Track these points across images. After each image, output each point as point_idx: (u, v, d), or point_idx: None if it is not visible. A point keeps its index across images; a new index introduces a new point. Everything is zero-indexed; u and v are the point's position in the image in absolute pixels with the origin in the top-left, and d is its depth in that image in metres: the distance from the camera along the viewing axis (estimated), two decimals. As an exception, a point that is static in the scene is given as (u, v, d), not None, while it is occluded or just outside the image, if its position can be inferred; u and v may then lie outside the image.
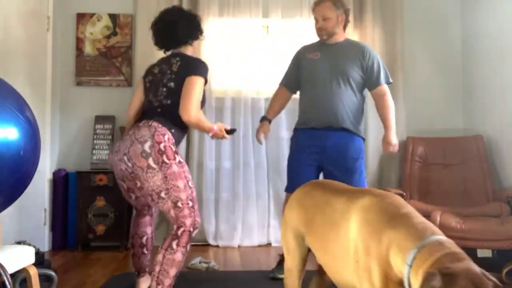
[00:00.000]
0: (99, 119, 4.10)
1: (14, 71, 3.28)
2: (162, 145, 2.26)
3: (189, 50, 2.59)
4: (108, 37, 4.20)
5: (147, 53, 4.09)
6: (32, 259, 2.05)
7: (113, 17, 4.20)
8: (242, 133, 4.12)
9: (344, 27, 3.07)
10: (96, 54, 4.18)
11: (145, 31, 4.09)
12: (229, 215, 4.11)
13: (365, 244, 1.38)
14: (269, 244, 4.10)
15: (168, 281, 2.21)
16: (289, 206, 2.00)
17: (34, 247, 2.23)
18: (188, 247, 2.28)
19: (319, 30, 3.02)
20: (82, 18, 4.20)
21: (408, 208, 1.43)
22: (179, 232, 2.25)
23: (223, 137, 2.54)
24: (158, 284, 2.20)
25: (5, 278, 1.74)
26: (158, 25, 2.56)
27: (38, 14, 3.72)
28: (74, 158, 4.10)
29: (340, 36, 3.05)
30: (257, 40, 4.22)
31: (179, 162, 2.31)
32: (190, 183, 2.36)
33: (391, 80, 3.11)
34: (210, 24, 4.17)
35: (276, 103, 3.22)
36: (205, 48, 4.12)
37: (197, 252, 3.75)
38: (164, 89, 2.44)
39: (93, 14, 4.20)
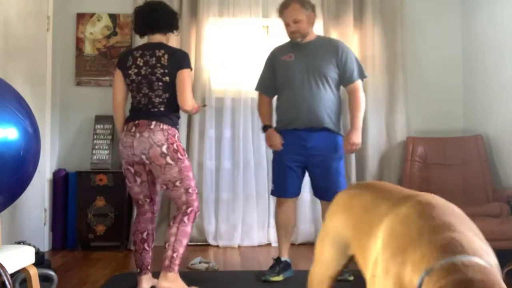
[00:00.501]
0: (99, 119, 4.10)
1: (14, 71, 3.28)
2: (175, 145, 2.62)
3: (164, 40, 2.78)
4: (108, 37, 4.20)
5: (147, 53, 4.10)
6: (32, 259, 2.05)
7: (113, 17, 4.20)
8: (242, 133, 4.12)
9: (312, 24, 3.07)
10: (96, 54, 4.18)
11: (145, 31, 4.11)
12: (229, 215, 4.12)
13: (385, 263, 1.19)
14: (269, 244, 4.10)
15: (181, 249, 2.58)
16: (332, 211, 1.76)
17: (34, 247, 2.23)
18: (193, 225, 2.74)
19: (292, 34, 3.00)
20: (82, 18, 4.20)
21: (452, 217, 1.18)
22: (189, 211, 2.65)
23: (198, 110, 2.89)
24: (174, 251, 2.56)
25: (5, 278, 1.74)
26: (143, 9, 2.79)
27: (38, 14, 3.72)
28: (74, 158, 4.10)
29: (312, 35, 3.06)
30: (257, 40, 4.22)
31: (188, 157, 2.71)
32: (193, 174, 2.73)
33: (366, 75, 3.14)
34: (210, 24, 4.17)
35: (265, 110, 3.20)
36: (205, 48, 4.12)
37: (197, 252, 3.75)
38: (160, 83, 2.66)
39: (93, 14, 4.20)
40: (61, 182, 3.93)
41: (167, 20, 2.77)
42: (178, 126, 2.72)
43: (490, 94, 3.92)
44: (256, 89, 3.25)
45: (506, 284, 1.00)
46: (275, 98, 3.21)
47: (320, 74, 2.96)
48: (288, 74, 3.02)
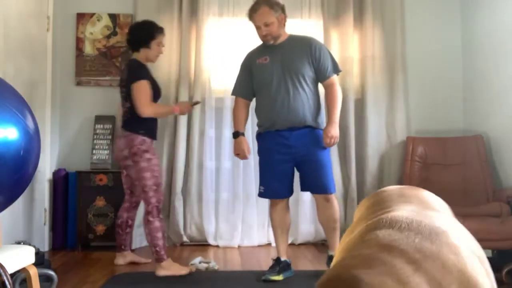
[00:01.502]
0: (99, 119, 4.10)
1: (14, 71, 3.28)
2: (135, 149, 3.10)
3: (141, 55, 3.24)
4: (108, 37, 4.20)
5: (147, 53, 4.10)
6: (32, 259, 2.05)
7: (113, 17, 4.20)
8: (242, 133, 4.12)
9: (284, 25, 3.07)
10: (96, 54, 4.18)
11: (145, 31, 4.11)
12: (229, 215, 4.12)
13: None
14: (269, 244, 4.10)
15: (160, 241, 3.06)
16: (355, 211, 1.55)
17: (34, 247, 2.23)
18: (161, 216, 3.15)
19: (264, 37, 3.01)
20: (82, 18, 4.20)
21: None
22: (149, 208, 3.09)
23: (189, 110, 3.38)
24: (155, 247, 3.06)
25: (5, 278, 1.74)
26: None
27: (38, 14, 3.72)
28: (74, 158, 4.10)
29: (284, 35, 3.07)
30: (257, 40, 4.21)
31: (148, 158, 3.11)
32: (156, 173, 3.12)
33: (340, 69, 3.15)
34: (210, 23, 4.17)
35: (241, 116, 3.18)
36: (205, 48, 4.12)
37: (197, 252, 3.75)
38: (123, 95, 3.23)
39: (93, 14, 4.20)
40: (61, 182, 3.93)
41: (134, 39, 3.24)
42: (142, 131, 3.12)
43: (490, 94, 3.92)
44: (233, 94, 3.24)
45: (506, 284, 0.98)
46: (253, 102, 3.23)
47: (296, 73, 2.98)
48: (265, 77, 3.03)
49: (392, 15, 4.25)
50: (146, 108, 3.09)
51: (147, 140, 3.15)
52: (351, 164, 4.11)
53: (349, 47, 4.19)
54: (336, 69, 3.10)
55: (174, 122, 4.10)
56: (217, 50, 4.18)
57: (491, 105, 3.90)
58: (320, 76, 3.05)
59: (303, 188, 3.15)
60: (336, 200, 3.11)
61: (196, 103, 3.38)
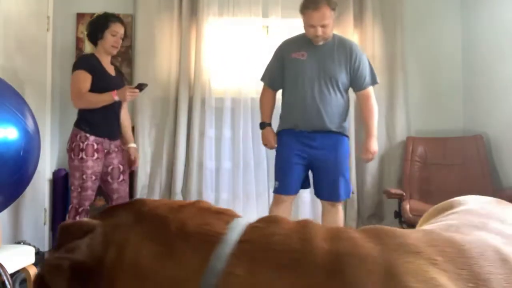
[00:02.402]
0: (99, 119, 4.09)
1: (14, 71, 3.28)
2: (73, 144, 2.94)
3: (99, 48, 3.11)
4: (108, 37, 4.19)
5: (147, 53, 4.10)
6: (32, 259, 2.05)
7: (113, 17, 4.19)
8: (242, 133, 4.11)
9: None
10: (96, 54, 4.17)
11: (145, 31, 4.11)
12: (229, 215, 4.11)
13: None
14: (269, 244, 4.09)
15: None
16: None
17: (34, 247, 2.23)
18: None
19: (316, 37, 2.86)
20: (82, 18, 4.20)
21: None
22: (69, 208, 2.96)
23: (133, 94, 3.00)
24: None
25: (5, 278, 1.74)
26: None
27: (38, 14, 3.72)
28: (74, 158, 4.09)
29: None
30: (257, 40, 4.22)
31: (81, 158, 2.92)
32: (85, 176, 2.92)
33: (378, 81, 3.10)
34: (210, 23, 4.16)
35: (268, 106, 3.11)
36: (205, 48, 4.12)
37: (197, 252, 3.74)
38: None
39: (93, 14, 4.19)
40: (61, 182, 3.93)
41: (88, 33, 3.16)
42: (84, 127, 2.96)
43: (490, 94, 3.92)
44: (263, 80, 3.12)
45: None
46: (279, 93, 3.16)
47: (331, 78, 2.89)
48: (298, 74, 2.92)
49: (392, 15, 4.25)
50: (75, 99, 2.96)
51: (91, 138, 2.96)
52: (351, 164, 4.11)
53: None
54: (374, 81, 3.03)
55: (174, 122, 4.10)
56: (217, 50, 4.18)
57: (491, 105, 3.90)
58: (356, 86, 2.99)
59: (316, 194, 3.10)
60: (341, 207, 3.05)
61: (140, 86, 3.06)
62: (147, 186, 4.06)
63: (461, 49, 4.36)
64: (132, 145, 3.32)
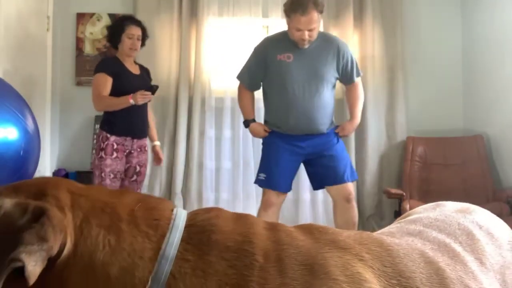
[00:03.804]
0: (99, 119, 4.08)
1: (14, 71, 3.28)
2: (96, 145, 3.09)
3: (119, 51, 3.17)
4: (108, 37, 4.19)
5: (147, 53, 4.09)
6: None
7: (113, 17, 4.19)
8: (242, 133, 4.11)
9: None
10: (96, 54, 4.18)
11: (145, 31, 4.11)
12: (229, 215, 4.11)
13: None
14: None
15: None
16: None
17: (34, 247, 2.23)
18: None
19: (302, 41, 2.76)
20: (82, 18, 4.20)
21: None
22: None
23: (145, 97, 3.02)
24: None
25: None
26: None
27: (38, 14, 3.72)
28: (74, 158, 4.10)
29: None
30: (257, 40, 4.20)
31: (100, 157, 3.01)
32: (103, 174, 3.00)
33: (361, 73, 3.09)
34: (210, 23, 4.16)
35: (249, 104, 3.02)
36: (205, 48, 4.12)
37: (197, 252, 3.75)
38: None
39: (93, 14, 4.20)
40: (61, 182, 3.93)
41: (108, 39, 3.23)
42: (105, 127, 3.07)
43: (490, 94, 3.92)
44: (241, 79, 3.01)
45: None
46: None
47: (320, 79, 2.82)
48: (285, 78, 2.81)
49: (392, 15, 4.25)
50: (95, 102, 3.07)
51: (111, 138, 3.04)
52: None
53: (349, 47, 4.18)
54: (358, 73, 3.01)
55: (174, 122, 4.10)
56: (217, 50, 4.18)
57: (491, 105, 3.90)
58: (346, 80, 2.98)
59: (317, 186, 3.01)
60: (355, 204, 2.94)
61: (152, 88, 3.07)
62: (147, 186, 4.06)
63: (461, 49, 4.36)
64: (156, 143, 3.41)
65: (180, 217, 0.78)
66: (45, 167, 3.82)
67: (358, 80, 3.02)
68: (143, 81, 3.20)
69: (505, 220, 3.13)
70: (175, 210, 0.81)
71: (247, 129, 4.09)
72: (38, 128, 2.09)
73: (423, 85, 4.33)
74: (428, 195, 3.79)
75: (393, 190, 3.66)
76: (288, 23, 2.81)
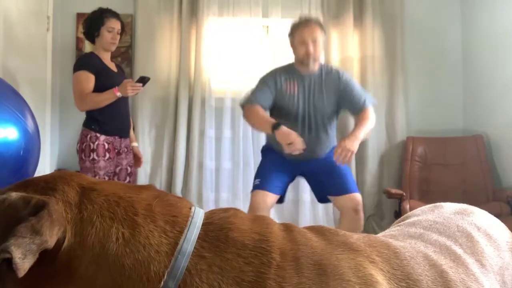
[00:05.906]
0: (99, 119, 4.09)
1: (14, 71, 3.28)
2: (83, 145, 2.88)
3: (97, 46, 3.05)
4: (108, 37, 4.18)
5: (147, 53, 4.10)
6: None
7: (113, 17, 4.19)
8: (242, 133, 4.11)
9: None
10: (96, 54, 4.17)
11: (145, 31, 4.11)
12: (229, 215, 4.11)
13: None
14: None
15: None
16: None
17: (34, 247, 2.22)
18: None
19: (307, 55, 2.73)
20: (82, 18, 4.19)
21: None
22: None
23: (135, 89, 2.89)
24: None
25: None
26: None
27: (38, 14, 3.72)
28: (74, 158, 4.07)
29: (318, 64, 2.86)
30: (257, 40, 4.22)
31: (93, 159, 2.87)
32: (98, 177, 2.82)
33: (375, 102, 2.99)
34: (210, 23, 4.17)
35: (265, 115, 2.80)
36: (205, 48, 4.12)
37: (197, 252, 3.74)
38: None
39: (93, 14, 4.19)
40: (61, 182, 3.92)
41: (85, 32, 3.11)
42: (93, 126, 2.89)
43: (490, 94, 3.92)
44: (246, 101, 2.84)
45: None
46: None
47: (323, 115, 2.82)
48: (289, 108, 2.81)
49: (392, 15, 4.25)
50: (78, 101, 2.87)
51: (101, 137, 2.89)
52: (351, 164, 4.11)
53: (349, 47, 4.19)
54: (370, 100, 2.88)
55: (174, 122, 4.10)
56: (217, 50, 4.18)
57: (491, 105, 3.90)
58: (353, 110, 2.87)
59: (323, 199, 2.96)
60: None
61: (142, 79, 2.91)
62: (147, 186, 4.06)
63: (461, 49, 4.36)
64: (135, 144, 3.30)
65: (198, 215, 0.80)
66: (45, 167, 3.82)
67: (369, 109, 2.84)
68: (122, 78, 3.06)
69: (505, 220, 3.14)
70: (193, 208, 0.82)
71: (247, 129, 4.13)
72: (38, 128, 2.09)
73: (423, 85, 4.33)
74: (428, 195, 3.79)
75: (393, 190, 3.66)
76: (292, 42, 2.84)
